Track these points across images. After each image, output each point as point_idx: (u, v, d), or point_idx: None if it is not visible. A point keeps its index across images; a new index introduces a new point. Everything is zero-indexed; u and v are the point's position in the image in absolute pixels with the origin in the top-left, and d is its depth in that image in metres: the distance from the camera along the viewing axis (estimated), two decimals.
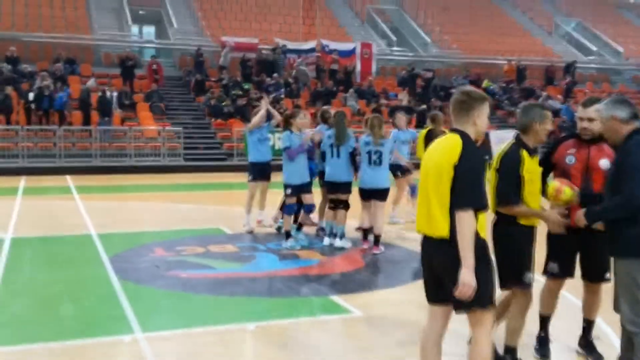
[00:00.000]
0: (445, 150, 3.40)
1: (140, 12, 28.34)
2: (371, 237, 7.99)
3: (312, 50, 25.62)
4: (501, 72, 28.72)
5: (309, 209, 8.42)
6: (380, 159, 7.78)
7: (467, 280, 3.25)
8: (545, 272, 4.44)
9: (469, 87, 3.61)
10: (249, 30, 26.91)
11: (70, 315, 5.56)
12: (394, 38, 29.86)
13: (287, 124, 8.30)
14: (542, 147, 4.45)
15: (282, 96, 21.99)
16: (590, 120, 4.21)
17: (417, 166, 8.78)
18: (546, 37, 34.66)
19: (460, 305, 3.38)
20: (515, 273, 4.08)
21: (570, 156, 4.27)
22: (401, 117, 10.41)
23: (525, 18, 36.15)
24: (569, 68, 29.16)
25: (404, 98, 24.10)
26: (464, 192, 3.30)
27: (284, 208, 8.47)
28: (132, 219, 11.05)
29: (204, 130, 21.51)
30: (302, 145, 8.08)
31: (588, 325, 4.61)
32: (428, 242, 3.49)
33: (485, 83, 27.36)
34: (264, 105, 9.66)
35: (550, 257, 4.40)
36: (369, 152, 7.83)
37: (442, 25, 32.34)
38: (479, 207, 3.32)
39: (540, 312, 4.56)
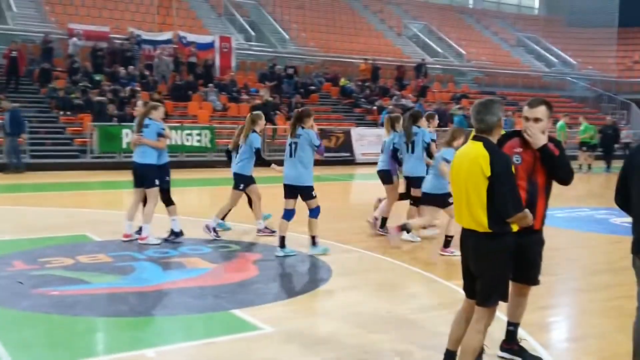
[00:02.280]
0: None
1: None
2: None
3: (169, 41, 24.40)
4: (357, 71, 29.27)
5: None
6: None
7: None
8: None
9: None
10: (99, 19, 25.14)
11: None
12: (252, 33, 29.36)
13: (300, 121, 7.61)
14: None
15: (138, 89, 20.75)
16: (537, 120, 4.13)
17: None
18: (396, 38, 35.91)
19: None
20: (504, 286, 3.85)
21: (517, 155, 4.12)
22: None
23: (377, 19, 37.22)
24: (420, 68, 30.37)
25: (265, 94, 23.88)
26: None
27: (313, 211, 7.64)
28: None
29: (51, 124, 19.69)
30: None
31: (515, 328, 4.52)
32: None
33: (342, 81, 27.77)
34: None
35: None
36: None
37: (299, 22, 32.39)
38: None
39: None
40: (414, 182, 8.72)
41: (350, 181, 18.40)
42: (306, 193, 7.55)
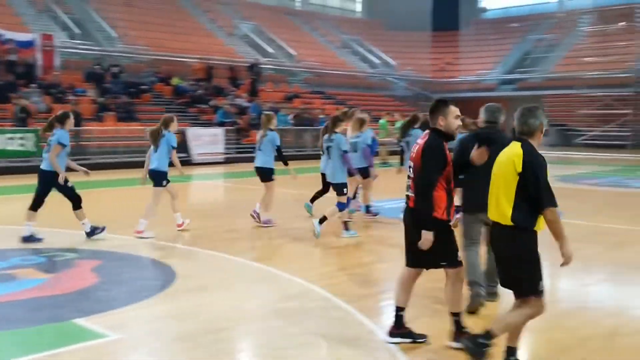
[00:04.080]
0: None
1: None
2: None
3: None
4: (189, 70, 28.97)
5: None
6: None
7: None
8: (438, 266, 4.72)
9: None
10: None
11: None
12: (77, 31, 27.93)
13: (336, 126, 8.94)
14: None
15: None
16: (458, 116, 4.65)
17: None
18: (227, 38, 35.99)
19: None
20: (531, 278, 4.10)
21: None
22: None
23: (207, 18, 37.03)
24: (253, 68, 30.75)
25: (93, 94, 22.91)
26: None
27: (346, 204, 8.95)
28: None
29: None
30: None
31: (402, 311, 4.90)
32: None
33: (175, 80, 27.37)
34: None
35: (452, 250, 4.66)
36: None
37: (126, 20, 31.34)
38: None
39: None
40: None
41: (189, 182, 18.24)
42: (337, 189, 8.83)
